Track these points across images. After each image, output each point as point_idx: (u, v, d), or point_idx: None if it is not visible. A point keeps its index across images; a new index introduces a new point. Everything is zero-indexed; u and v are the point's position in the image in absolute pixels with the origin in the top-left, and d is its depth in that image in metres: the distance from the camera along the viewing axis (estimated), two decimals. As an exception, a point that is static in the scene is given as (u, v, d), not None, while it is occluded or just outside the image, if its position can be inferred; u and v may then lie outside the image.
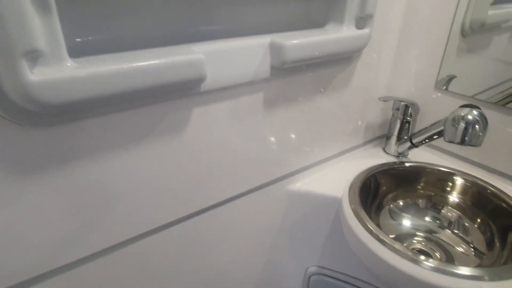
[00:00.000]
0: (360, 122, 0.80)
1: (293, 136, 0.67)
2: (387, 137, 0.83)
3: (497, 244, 0.62)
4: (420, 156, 0.81)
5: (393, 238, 0.66)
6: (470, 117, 0.57)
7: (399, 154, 0.81)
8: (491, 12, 0.69)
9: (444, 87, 0.77)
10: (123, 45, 0.45)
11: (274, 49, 0.53)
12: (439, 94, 0.77)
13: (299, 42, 0.53)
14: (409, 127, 0.78)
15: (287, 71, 0.58)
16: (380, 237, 0.55)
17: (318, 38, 0.55)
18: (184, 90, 0.48)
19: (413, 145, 0.75)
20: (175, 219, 0.57)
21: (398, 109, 0.77)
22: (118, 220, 0.50)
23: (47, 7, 0.33)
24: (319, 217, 0.74)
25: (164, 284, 0.61)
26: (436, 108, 0.79)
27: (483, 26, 0.70)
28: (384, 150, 0.84)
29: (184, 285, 0.65)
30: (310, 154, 0.73)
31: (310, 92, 0.65)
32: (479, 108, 0.58)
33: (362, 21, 0.61)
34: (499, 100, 0.69)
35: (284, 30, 0.58)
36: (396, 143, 0.80)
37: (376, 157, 0.81)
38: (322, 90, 0.66)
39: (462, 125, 0.57)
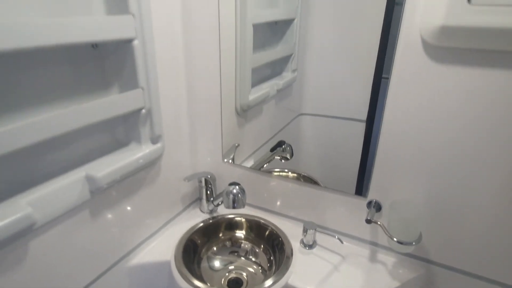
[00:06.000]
0: (176, 196, 1.06)
1: (127, 223, 0.88)
2: (200, 200, 1.12)
3: (272, 259, 0.99)
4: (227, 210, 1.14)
5: (213, 276, 0.94)
6: (234, 191, 0.91)
7: (211, 211, 1.12)
8: (251, 97, 1.03)
9: (231, 157, 1.10)
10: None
11: (90, 180, 0.72)
12: (225, 164, 1.12)
13: (108, 171, 0.74)
14: (211, 191, 1.09)
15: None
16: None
17: (122, 163, 0.78)
18: (15, 238, 0.62)
19: (215, 205, 1.07)
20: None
21: (200, 181, 1.08)
22: None
23: None
24: (159, 282, 0.96)
25: None
26: (226, 174, 1.13)
27: (249, 106, 1.04)
28: (200, 209, 1.13)
29: None
30: (140, 232, 0.94)
31: (131, 192, 0.87)
32: (239, 184, 0.92)
33: (155, 139, 0.88)
34: (258, 164, 1.06)
35: (98, 155, 0.78)
36: (206, 203, 1.10)
37: (195, 217, 1.09)
38: (139, 188, 0.89)
39: (231, 196, 0.91)
